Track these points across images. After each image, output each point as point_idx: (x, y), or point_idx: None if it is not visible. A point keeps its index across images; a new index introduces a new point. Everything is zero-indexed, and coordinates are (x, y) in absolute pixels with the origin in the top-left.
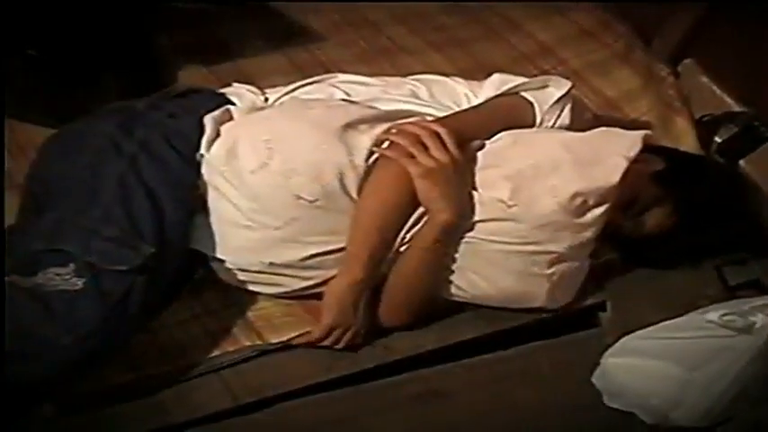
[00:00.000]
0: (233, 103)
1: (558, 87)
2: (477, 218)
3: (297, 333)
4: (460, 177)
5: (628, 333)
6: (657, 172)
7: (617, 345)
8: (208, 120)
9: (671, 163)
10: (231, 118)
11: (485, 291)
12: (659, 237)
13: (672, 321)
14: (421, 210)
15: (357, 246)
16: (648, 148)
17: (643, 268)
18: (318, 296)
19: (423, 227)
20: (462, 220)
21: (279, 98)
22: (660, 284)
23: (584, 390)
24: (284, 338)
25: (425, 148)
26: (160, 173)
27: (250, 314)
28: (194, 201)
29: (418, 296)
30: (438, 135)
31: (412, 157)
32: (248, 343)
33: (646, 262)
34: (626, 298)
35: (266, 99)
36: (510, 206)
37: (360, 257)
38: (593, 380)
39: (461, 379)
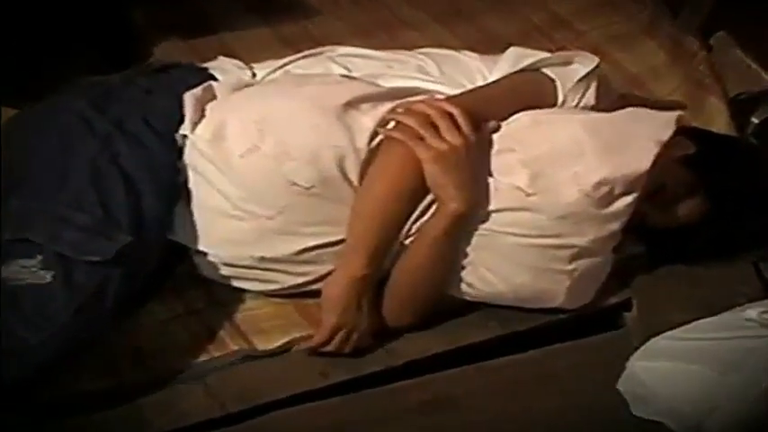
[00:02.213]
0: (216, 79)
1: (583, 64)
2: (491, 207)
3: (288, 338)
4: (474, 163)
5: (656, 334)
6: (688, 156)
7: (644, 347)
8: (188, 97)
9: (703, 146)
10: (214, 96)
11: (498, 288)
12: (690, 228)
13: (705, 320)
14: (429, 198)
15: (357, 237)
16: (678, 130)
17: (673, 263)
18: (313, 294)
19: (431, 217)
20: (475, 210)
21: (269, 74)
22: (692, 281)
23: (608, 397)
24: (275, 344)
25: (436, 129)
26: (136, 154)
27: (237, 314)
28: (175, 186)
29: (424, 294)
30: (450, 115)
31: (421, 139)
32: (235, 347)
33: (675, 256)
34: (654, 296)
35: (254, 75)
36: (528, 195)
37: (360, 250)
38: (619, 386)
39: (472, 385)
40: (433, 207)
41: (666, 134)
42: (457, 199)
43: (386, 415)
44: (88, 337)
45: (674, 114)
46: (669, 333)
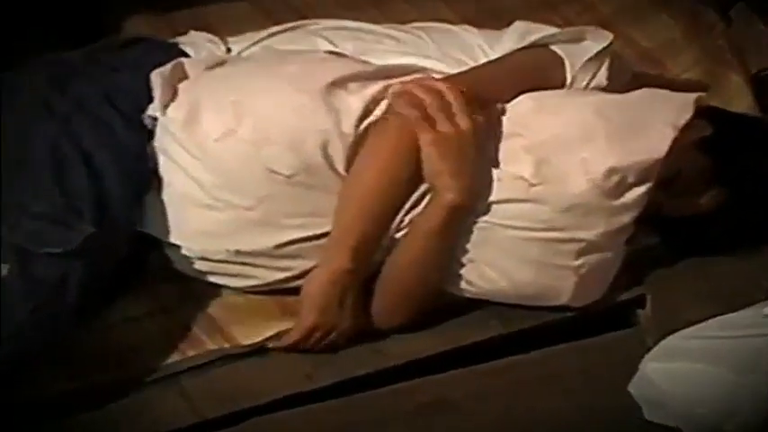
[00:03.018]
0: (187, 55)
1: (595, 40)
2: (492, 198)
3: (271, 333)
4: (478, 151)
5: (671, 333)
6: (706, 139)
7: (658, 346)
8: (156, 77)
9: (722, 128)
10: (185, 74)
11: (499, 285)
12: (708, 217)
13: (724, 317)
14: (424, 187)
15: (343, 229)
16: (695, 111)
17: (689, 255)
18: (296, 291)
19: (426, 208)
20: (474, 201)
21: (245, 48)
22: (710, 274)
23: (620, 400)
24: (258, 339)
25: (446, 110)
26: (100, 137)
27: (213, 311)
28: (143, 172)
29: (418, 292)
30: (461, 95)
31: (427, 118)
32: (213, 346)
33: (692, 248)
34: (669, 291)
35: (228, 50)
36: (532, 185)
37: (346, 243)
38: (631, 389)
39: (472, 388)
40: (428, 197)
41: (684, 118)
42: (454, 189)
43: (378, 420)
44: (49, 337)
45: (692, 96)
46: (685, 331)
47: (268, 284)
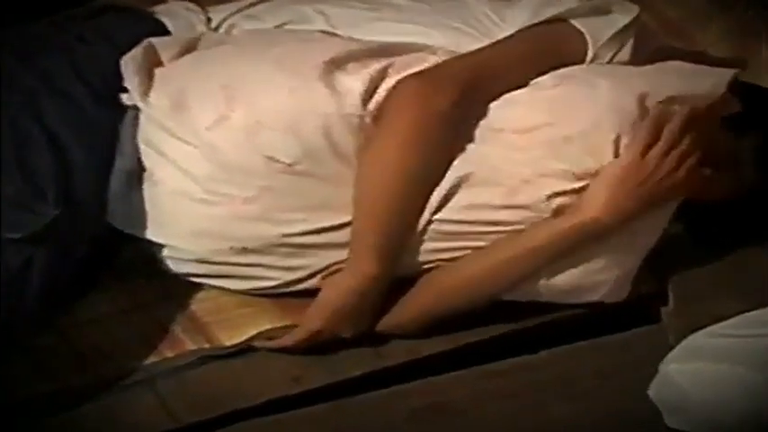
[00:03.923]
0: (164, 27)
1: (620, 13)
2: (538, 195)
3: (257, 330)
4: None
5: (696, 330)
6: (734, 117)
7: (681, 345)
8: (128, 63)
9: (752, 105)
10: (158, 57)
11: (539, 287)
12: (737, 202)
13: (754, 313)
14: (456, 177)
15: (364, 231)
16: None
17: (715, 245)
18: (306, 294)
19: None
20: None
21: (226, 18)
22: (738, 266)
23: (637, 405)
24: (243, 338)
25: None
26: (66, 114)
27: (195, 307)
28: (113, 154)
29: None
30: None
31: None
32: (193, 346)
33: (718, 237)
34: (694, 283)
35: (209, 20)
36: (577, 177)
37: (371, 243)
38: (650, 392)
39: (475, 390)
40: (461, 192)
41: (717, 93)
42: (599, 208)
43: (372, 426)
44: (10, 328)
45: (728, 72)
46: (711, 329)
47: (278, 286)
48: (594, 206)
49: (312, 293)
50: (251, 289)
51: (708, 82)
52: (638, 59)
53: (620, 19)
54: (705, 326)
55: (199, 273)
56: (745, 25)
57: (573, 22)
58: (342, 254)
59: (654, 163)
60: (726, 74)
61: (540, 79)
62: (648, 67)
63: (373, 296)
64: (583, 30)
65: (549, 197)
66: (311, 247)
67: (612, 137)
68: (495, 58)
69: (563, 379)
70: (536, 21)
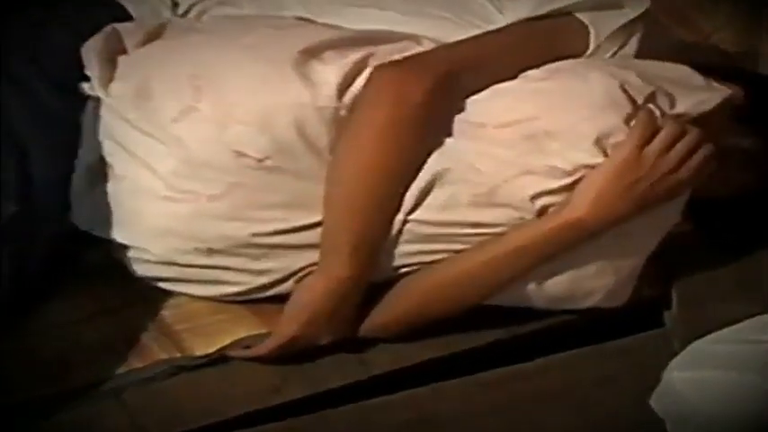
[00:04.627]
0: (127, 12)
1: (631, 6)
2: (527, 193)
3: (232, 339)
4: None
5: (703, 335)
6: (741, 108)
7: (685, 352)
8: (88, 51)
9: (759, 96)
10: (122, 44)
11: (529, 292)
12: (746, 198)
13: (763, 317)
14: (430, 174)
15: (339, 224)
16: (726, 73)
17: (723, 245)
18: (284, 300)
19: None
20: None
21: (195, 4)
22: (747, 267)
23: (639, 416)
24: (213, 348)
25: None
26: (24, 105)
27: (166, 314)
28: (74, 148)
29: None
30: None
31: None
32: (163, 356)
33: (726, 236)
34: (699, 287)
35: (176, 5)
36: (566, 172)
37: (344, 243)
38: (653, 402)
39: (467, 401)
40: (437, 190)
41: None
42: (585, 208)
43: None
44: None
45: (725, 92)
46: (718, 334)
47: (247, 292)
48: (579, 207)
49: (287, 299)
50: (218, 295)
51: (701, 98)
52: (645, 55)
53: (629, 12)
54: (712, 331)
55: (163, 276)
56: (749, 11)
57: (578, 14)
58: (316, 255)
59: (650, 161)
60: (723, 93)
61: (529, 72)
62: (649, 63)
63: (350, 299)
64: (587, 22)
65: (534, 197)
66: (283, 247)
67: (603, 132)
68: (481, 48)
69: (560, 389)
70: (537, 13)
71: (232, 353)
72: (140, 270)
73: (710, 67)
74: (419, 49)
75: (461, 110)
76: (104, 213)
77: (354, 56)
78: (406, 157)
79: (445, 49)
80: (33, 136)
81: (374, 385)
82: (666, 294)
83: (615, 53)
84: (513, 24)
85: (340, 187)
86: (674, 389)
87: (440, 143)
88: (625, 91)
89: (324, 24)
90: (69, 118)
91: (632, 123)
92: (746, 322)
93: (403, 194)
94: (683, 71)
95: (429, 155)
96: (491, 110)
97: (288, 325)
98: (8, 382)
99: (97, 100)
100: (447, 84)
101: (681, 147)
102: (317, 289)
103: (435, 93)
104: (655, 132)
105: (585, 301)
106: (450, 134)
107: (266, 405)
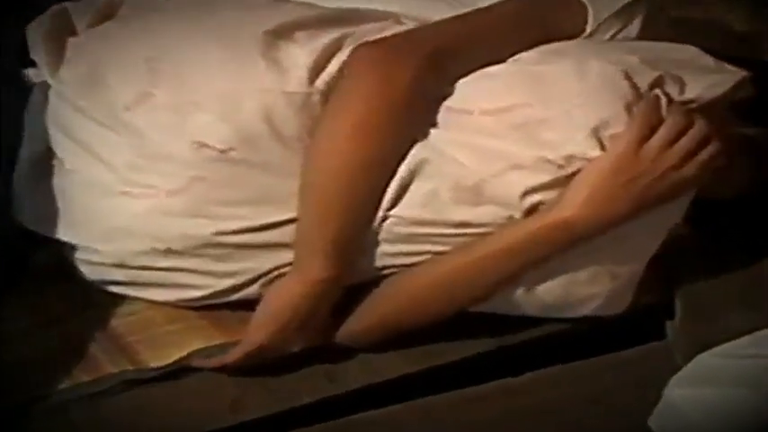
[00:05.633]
0: None
1: None
2: (517, 189)
3: (187, 351)
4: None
5: (707, 348)
6: (747, 102)
7: (688, 367)
8: (34, 32)
9: (765, 88)
10: (72, 25)
11: (519, 298)
12: (753, 199)
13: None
14: (409, 166)
15: (312, 227)
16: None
17: (729, 250)
18: (245, 307)
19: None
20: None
21: None
22: (755, 275)
23: None
24: (168, 361)
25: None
26: None
27: (116, 323)
28: (20, 142)
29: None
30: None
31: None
32: (114, 369)
33: (733, 240)
34: (704, 293)
35: None
36: (560, 166)
37: (320, 242)
38: (651, 422)
39: (447, 420)
40: (416, 184)
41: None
42: (577, 206)
43: None
44: None
45: (738, 74)
46: (724, 347)
47: (210, 296)
48: (569, 206)
49: (251, 306)
50: (177, 300)
51: (713, 80)
52: (648, 37)
53: None
54: (718, 343)
55: (116, 280)
56: None
57: None
58: (287, 255)
59: (651, 156)
60: (737, 74)
61: (522, 54)
62: (653, 45)
63: (326, 303)
64: (585, 1)
65: (523, 194)
66: (249, 247)
67: (601, 121)
68: (470, 27)
69: (551, 406)
70: None
71: (195, 363)
72: (90, 273)
73: (717, 51)
74: (400, 29)
75: (448, 95)
76: (51, 210)
77: (328, 36)
78: (389, 147)
79: (431, 27)
80: None
81: (345, 403)
82: (668, 303)
83: (615, 35)
84: (504, 1)
85: (316, 181)
86: (676, 407)
87: (424, 133)
88: (627, 76)
89: (297, 3)
90: (12, 107)
91: (634, 111)
92: (754, 335)
93: (384, 189)
94: (691, 52)
95: (412, 145)
96: (477, 95)
97: (257, 331)
98: None
99: (44, 86)
100: (435, 65)
101: (686, 140)
102: (292, 292)
103: (422, 75)
104: (658, 123)
105: (580, 309)
106: (434, 123)
107: (224, 425)
